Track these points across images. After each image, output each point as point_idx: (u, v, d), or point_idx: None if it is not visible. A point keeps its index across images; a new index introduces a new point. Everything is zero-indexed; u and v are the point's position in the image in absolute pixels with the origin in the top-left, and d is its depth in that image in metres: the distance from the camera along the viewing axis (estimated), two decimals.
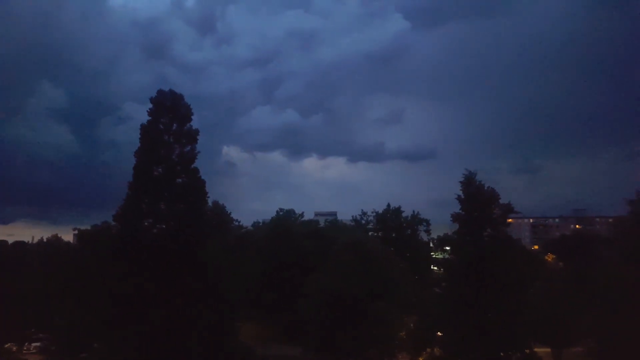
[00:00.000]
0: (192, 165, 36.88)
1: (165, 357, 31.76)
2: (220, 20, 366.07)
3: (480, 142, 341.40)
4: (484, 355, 31.30)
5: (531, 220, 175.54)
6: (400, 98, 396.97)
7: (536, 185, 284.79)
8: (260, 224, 75.84)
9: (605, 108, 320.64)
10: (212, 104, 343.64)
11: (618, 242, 40.71)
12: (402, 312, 40.85)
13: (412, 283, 47.38)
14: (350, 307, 38.56)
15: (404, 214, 71.95)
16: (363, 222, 76.00)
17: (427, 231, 71.95)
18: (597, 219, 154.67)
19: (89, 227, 47.17)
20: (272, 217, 74.41)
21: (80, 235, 49.94)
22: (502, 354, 31.75)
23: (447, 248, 47.71)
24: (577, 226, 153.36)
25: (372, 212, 74.82)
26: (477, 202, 34.03)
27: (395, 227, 70.95)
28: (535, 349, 33.10)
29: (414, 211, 72.26)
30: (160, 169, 36.30)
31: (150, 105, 37.05)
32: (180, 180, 36.49)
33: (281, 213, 77.00)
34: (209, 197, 38.64)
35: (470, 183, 34.51)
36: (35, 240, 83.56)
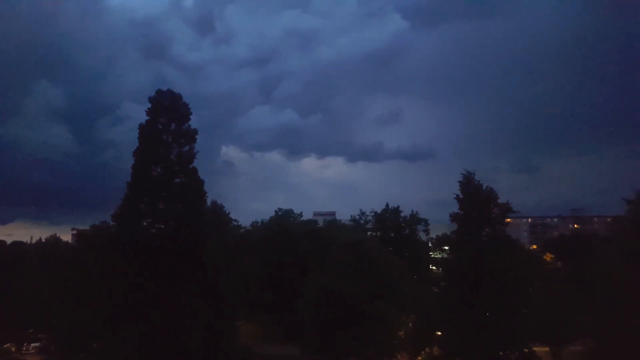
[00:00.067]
0: (191, 165, 36.88)
1: (165, 357, 31.74)
2: (218, 20, 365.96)
3: (479, 141, 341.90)
4: (483, 354, 31.34)
5: (529, 220, 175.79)
6: (399, 98, 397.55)
7: (534, 184, 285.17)
8: (259, 224, 75.77)
9: (604, 108, 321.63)
10: (211, 103, 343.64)
11: (616, 241, 40.70)
12: (400, 312, 40.87)
13: (411, 283, 47.41)
14: (349, 307, 38.56)
15: (402, 214, 71.93)
16: (362, 221, 75.97)
17: (426, 231, 71.92)
18: (595, 219, 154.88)
19: (87, 227, 47.11)
20: (270, 217, 74.37)
21: (79, 235, 49.90)
22: (501, 353, 31.81)
23: (446, 248, 47.74)
24: (575, 226, 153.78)
25: (371, 212, 74.82)
26: (476, 201, 34.07)
27: (393, 226, 70.93)
28: (534, 348, 33.17)
29: (412, 211, 72.31)
30: (158, 169, 36.30)
31: (149, 105, 37.03)
32: (178, 180, 36.48)
33: (280, 213, 76.97)
34: (207, 197, 38.69)
35: (468, 183, 34.55)
36: (34, 241, 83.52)
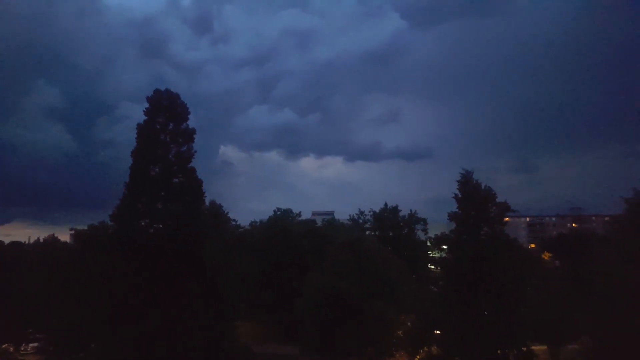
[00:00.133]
0: (189, 165, 36.90)
1: (164, 357, 31.72)
2: (216, 19, 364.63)
3: (478, 141, 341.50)
4: (481, 353, 31.41)
5: (528, 219, 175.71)
6: (398, 97, 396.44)
7: (533, 183, 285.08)
8: (258, 224, 75.65)
9: (602, 107, 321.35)
10: (209, 103, 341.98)
11: (615, 240, 40.78)
12: (399, 311, 40.94)
13: (410, 282, 47.47)
14: (348, 306, 38.60)
15: (401, 213, 72.08)
16: (360, 221, 76.07)
17: (424, 230, 72.10)
18: (594, 218, 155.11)
19: (85, 227, 46.98)
20: (269, 217, 74.22)
21: (77, 236, 49.76)
22: (499, 352, 31.87)
23: (444, 247, 47.75)
24: (573, 225, 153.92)
25: (369, 211, 74.98)
26: (474, 201, 34.13)
27: (392, 226, 71.06)
28: (532, 347, 33.25)
29: (411, 210, 72.46)
30: (156, 169, 36.31)
31: (147, 105, 37.02)
32: (177, 179, 36.48)
33: (278, 212, 76.83)
34: (206, 196, 38.68)
35: (467, 182, 34.61)
36: (32, 241, 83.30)
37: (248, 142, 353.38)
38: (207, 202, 43.97)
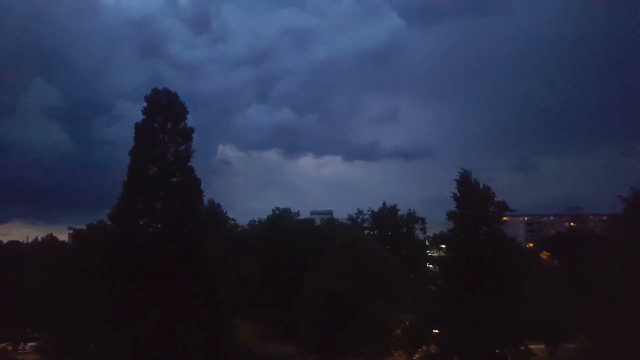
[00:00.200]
0: (187, 164, 36.84)
1: (163, 356, 31.69)
2: (214, 19, 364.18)
3: (476, 140, 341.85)
4: (479, 352, 31.43)
5: (526, 218, 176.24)
6: (396, 96, 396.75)
7: (531, 183, 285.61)
8: (256, 223, 75.76)
9: (600, 106, 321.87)
10: (207, 102, 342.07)
11: (613, 240, 40.88)
12: (398, 310, 40.96)
13: (408, 281, 47.50)
14: (348, 306, 38.61)
15: (399, 213, 72.22)
16: (359, 220, 76.17)
17: (423, 229, 72.28)
18: (592, 217, 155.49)
19: (84, 227, 46.93)
20: (268, 216, 74.35)
21: (76, 235, 49.71)
22: (497, 351, 31.91)
23: (443, 246, 47.83)
24: (571, 224, 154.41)
25: (368, 211, 75.10)
26: (473, 200, 34.15)
27: (391, 225, 71.19)
28: (530, 346, 33.29)
29: (409, 209, 72.63)
30: (155, 168, 36.26)
31: (145, 104, 36.99)
32: (175, 179, 36.44)
33: (277, 212, 76.95)
34: (204, 196, 38.70)
35: (465, 181, 34.63)
36: (30, 240, 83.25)
37: (246, 141, 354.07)
38: (205, 202, 44.07)
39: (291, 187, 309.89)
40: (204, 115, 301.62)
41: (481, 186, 34.35)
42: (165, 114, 36.97)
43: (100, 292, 33.70)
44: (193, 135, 37.42)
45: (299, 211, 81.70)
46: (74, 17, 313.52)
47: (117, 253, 33.88)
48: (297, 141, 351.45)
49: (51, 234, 68.05)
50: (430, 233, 71.37)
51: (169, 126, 37.03)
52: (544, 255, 70.81)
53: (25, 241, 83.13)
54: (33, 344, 47.68)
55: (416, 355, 41.91)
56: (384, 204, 73.02)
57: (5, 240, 76.30)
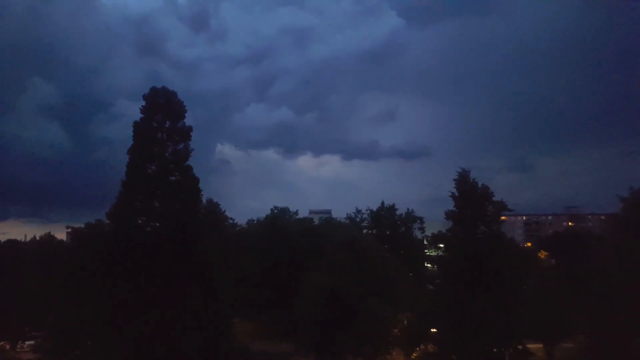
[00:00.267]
0: (186, 163, 36.80)
1: (162, 356, 31.65)
2: (213, 17, 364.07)
3: (475, 140, 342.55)
4: (477, 351, 31.47)
5: (524, 218, 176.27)
6: (395, 96, 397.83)
7: (529, 182, 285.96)
8: (255, 222, 75.75)
9: (599, 106, 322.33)
10: (206, 101, 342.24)
11: (611, 239, 40.95)
12: (396, 309, 40.98)
13: (407, 280, 47.50)
14: (346, 305, 38.63)
15: (398, 212, 72.22)
16: (357, 220, 76.20)
17: (421, 229, 72.30)
18: (590, 217, 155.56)
19: (82, 226, 46.79)
20: (266, 215, 74.38)
21: (74, 234, 49.57)
22: (495, 350, 31.95)
23: (441, 245, 47.84)
24: (569, 224, 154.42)
25: (367, 210, 75.16)
26: (471, 199, 34.18)
27: (389, 224, 71.18)
28: (528, 345, 33.34)
29: (408, 209, 72.67)
30: (153, 167, 36.22)
31: (143, 103, 36.91)
32: (173, 178, 36.40)
33: (276, 211, 76.98)
34: (203, 195, 38.61)
35: (464, 181, 34.65)
36: (28, 239, 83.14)
37: (245, 140, 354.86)
38: (204, 201, 43.94)
39: (290, 186, 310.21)
40: (203, 114, 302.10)
41: (479, 186, 34.39)
42: (163, 112, 36.89)
43: (99, 291, 33.60)
44: (191, 134, 37.40)
45: (297, 210, 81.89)
46: (72, 16, 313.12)
47: (115, 252, 33.80)
48: (295, 140, 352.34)
49: (49, 233, 68.04)
50: (428, 232, 71.54)
51: (167, 125, 36.97)
52: (542, 254, 70.68)
53: (23, 240, 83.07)
54: (31, 342, 47.61)
55: (414, 355, 41.97)
56: (383, 203, 73.10)
57: (3, 239, 75.87)
